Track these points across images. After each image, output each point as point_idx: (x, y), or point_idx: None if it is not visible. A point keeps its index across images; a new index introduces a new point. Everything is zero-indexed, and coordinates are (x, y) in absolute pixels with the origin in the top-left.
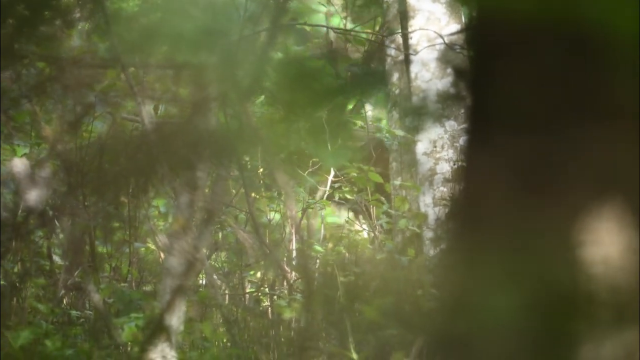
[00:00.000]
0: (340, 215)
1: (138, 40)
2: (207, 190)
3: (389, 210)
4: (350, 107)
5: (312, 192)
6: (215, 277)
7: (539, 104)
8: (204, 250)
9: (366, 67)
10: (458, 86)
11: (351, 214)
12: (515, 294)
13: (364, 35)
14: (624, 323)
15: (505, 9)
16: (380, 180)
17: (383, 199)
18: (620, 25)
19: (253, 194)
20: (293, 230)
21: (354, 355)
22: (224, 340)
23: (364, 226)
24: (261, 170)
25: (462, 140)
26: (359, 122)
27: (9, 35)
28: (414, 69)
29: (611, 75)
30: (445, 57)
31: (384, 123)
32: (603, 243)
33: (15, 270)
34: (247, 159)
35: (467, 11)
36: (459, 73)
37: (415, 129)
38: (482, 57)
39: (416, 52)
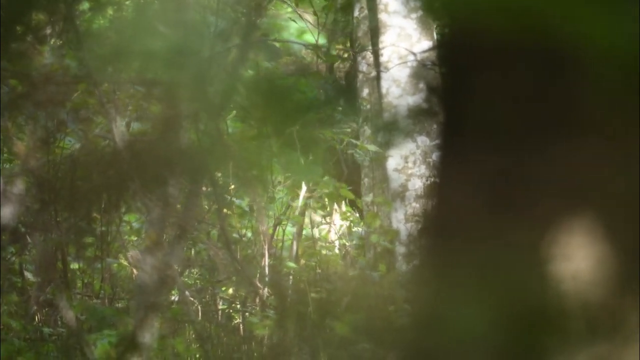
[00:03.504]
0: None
1: (110, 57)
2: (179, 206)
3: (361, 226)
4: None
5: (284, 208)
6: (187, 293)
7: (512, 119)
8: (176, 267)
9: (337, 84)
10: (430, 102)
11: (323, 230)
12: (486, 309)
13: (334, 52)
14: (596, 337)
15: (477, 24)
16: (351, 196)
17: (356, 214)
18: (595, 40)
19: (225, 210)
20: (265, 246)
21: None
22: (197, 357)
23: (336, 242)
24: (233, 186)
25: (434, 156)
26: (330, 137)
27: None
28: (385, 85)
29: (585, 91)
30: (417, 74)
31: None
32: (574, 257)
33: None
34: (219, 175)
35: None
36: (431, 89)
37: (387, 144)
38: (455, 73)
39: (387, 69)
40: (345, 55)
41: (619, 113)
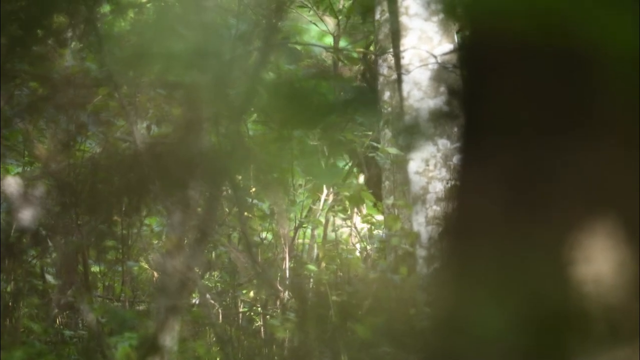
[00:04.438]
0: (334, 232)
1: (130, 60)
2: (199, 209)
3: (381, 229)
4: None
5: (305, 211)
6: (208, 296)
7: (532, 121)
8: (197, 269)
9: (358, 86)
10: (451, 104)
11: (344, 233)
12: (507, 311)
13: (356, 55)
14: (617, 340)
15: (497, 27)
16: (372, 199)
17: (377, 217)
18: (611, 41)
19: (246, 213)
20: (286, 249)
21: None
22: None
23: (357, 245)
24: (253, 189)
25: (455, 159)
26: (351, 140)
27: (2, 54)
28: (406, 87)
29: (604, 91)
30: (438, 76)
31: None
32: (595, 260)
33: (8, 289)
34: (240, 178)
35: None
36: (452, 91)
37: (408, 147)
38: (476, 76)
39: (408, 72)
40: (367, 58)
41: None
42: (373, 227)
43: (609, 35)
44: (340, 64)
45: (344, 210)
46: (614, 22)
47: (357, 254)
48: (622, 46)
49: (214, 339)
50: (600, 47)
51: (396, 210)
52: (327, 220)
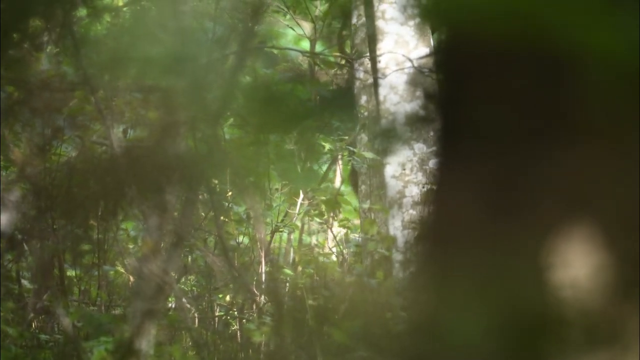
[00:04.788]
0: (310, 236)
1: (107, 64)
2: (176, 214)
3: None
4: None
5: (282, 215)
6: (184, 300)
7: (510, 125)
8: (173, 274)
9: (335, 90)
10: (427, 108)
11: (320, 237)
12: (484, 316)
13: (332, 59)
14: (595, 345)
15: (474, 31)
16: (349, 203)
17: (353, 221)
18: (593, 46)
19: (222, 217)
20: (262, 253)
21: None
22: None
23: (333, 249)
24: (230, 193)
25: (431, 163)
26: (327, 145)
27: None
28: (383, 91)
29: (583, 97)
30: (414, 80)
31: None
32: (573, 265)
33: None
34: (216, 182)
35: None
36: (428, 95)
37: (384, 151)
38: (452, 80)
39: (384, 76)
40: (343, 62)
41: (619, 119)
42: (349, 231)
43: (588, 39)
44: (316, 68)
45: (320, 215)
46: (593, 26)
47: (334, 258)
48: (601, 50)
49: (190, 343)
50: (579, 51)
51: (372, 214)
52: (303, 225)
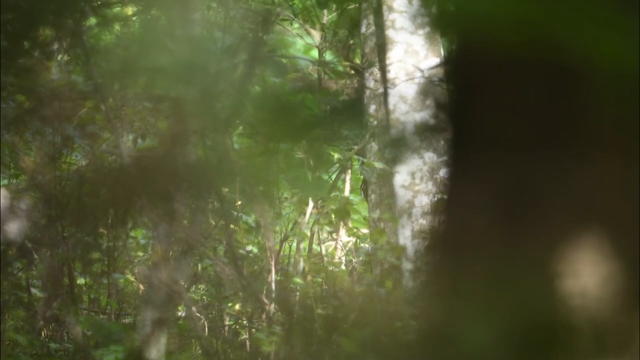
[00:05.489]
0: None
1: (117, 73)
2: (185, 222)
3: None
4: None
5: (291, 224)
6: (194, 309)
7: (520, 135)
8: (183, 282)
9: (344, 100)
10: (438, 118)
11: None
12: (494, 325)
13: (342, 68)
14: (604, 354)
15: (484, 41)
16: (358, 213)
17: (362, 230)
18: (603, 56)
19: (232, 226)
20: (272, 262)
21: None
22: None
23: (343, 258)
24: (239, 202)
25: (441, 172)
26: (337, 154)
27: None
28: (392, 101)
29: (593, 107)
30: (425, 90)
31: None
32: (582, 274)
33: None
34: (226, 190)
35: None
36: (438, 105)
37: (394, 160)
38: (463, 89)
39: (394, 85)
40: (353, 71)
41: (628, 129)
42: (359, 241)
43: (598, 49)
44: (326, 77)
45: (330, 224)
46: (604, 36)
47: (343, 267)
48: (612, 61)
49: (200, 351)
50: (590, 61)
51: (382, 224)
52: (312, 233)
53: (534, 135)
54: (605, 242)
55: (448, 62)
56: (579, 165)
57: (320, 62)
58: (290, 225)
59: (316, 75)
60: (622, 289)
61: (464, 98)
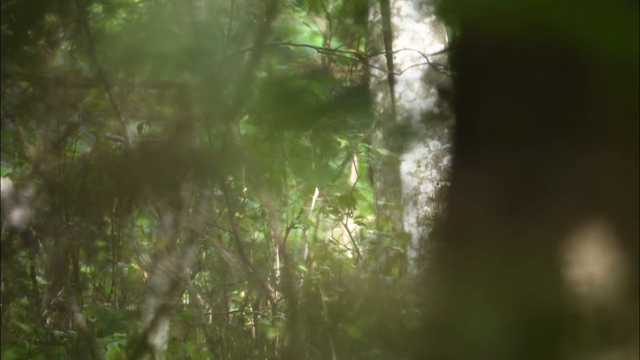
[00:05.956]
0: (325, 233)
1: (122, 60)
2: (190, 210)
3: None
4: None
5: (297, 211)
6: (198, 296)
7: (524, 123)
8: (188, 270)
9: (350, 87)
10: (442, 106)
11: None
12: (499, 314)
13: (348, 55)
14: (609, 343)
15: (489, 28)
16: (364, 200)
17: (368, 217)
18: (607, 45)
19: (237, 214)
20: (277, 250)
21: None
22: None
23: (348, 245)
24: (245, 190)
25: (446, 160)
26: (343, 142)
27: None
28: (398, 88)
29: (598, 96)
30: (429, 77)
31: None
32: (588, 263)
33: None
34: (231, 178)
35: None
36: (443, 92)
37: (400, 148)
38: (467, 77)
39: (400, 72)
40: (358, 58)
41: (634, 118)
42: (364, 228)
43: (604, 37)
44: (332, 64)
45: (335, 211)
46: (609, 25)
47: (349, 254)
48: (617, 49)
49: (205, 339)
50: (596, 49)
51: (388, 211)
52: (318, 221)
53: (538, 124)
54: (611, 232)
55: (452, 50)
56: (584, 154)
57: (326, 50)
58: (296, 213)
59: (322, 63)
60: (628, 277)
61: (468, 85)
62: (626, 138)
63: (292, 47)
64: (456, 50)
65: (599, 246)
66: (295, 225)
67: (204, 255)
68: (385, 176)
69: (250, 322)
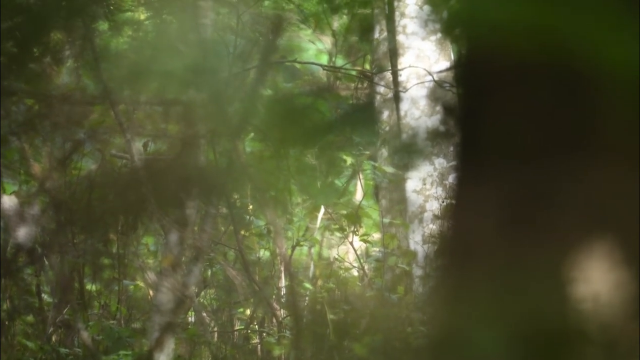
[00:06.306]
0: (331, 251)
1: (127, 77)
2: (196, 228)
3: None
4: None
5: (302, 229)
6: (204, 314)
7: (529, 139)
8: (193, 288)
9: (356, 105)
10: (447, 123)
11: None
12: (504, 331)
13: (353, 73)
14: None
15: (494, 46)
16: (370, 217)
17: (374, 235)
18: (612, 61)
19: (242, 231)
20: (282, 268)
21: None
22: None
23: (354, 263)
24: (250, 207)
25: (451, 178)
26: (349, 160)
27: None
28: (404, 106)
29: (603, 112)
30: (435, 95)
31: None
32: (593, 280)
33: (4, 307)
34: (237, 196)
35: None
36: (448, 110)
37: (405, 166)
38: (472, 94)
39: (405, 90)
40: (364, 76)
41: (638, 133)
42: (370, 246)
43: (609, 54)
44: (337, 82)
45: (341, 229)
46: (614, 42)
47: (354, 272)
48: (622, 66)
49: (210, 357)
50: (601, 66)
51: (393, 229)
52: (323, 239)
53: (543, 141)
54: (616, 249)
55: (457, 67)
56: (589, 170)
57: (331, 67)
58: (302, 231)
59: (327, 80)
60: (633, 295)
61: (473, 103)
62: (631, 154)
63: (297, 65)
64: (462, 68)
65: (605, 263)
66: (301, 243)
67: (209, 273)
68: (390, 194)
69: (256, 340)
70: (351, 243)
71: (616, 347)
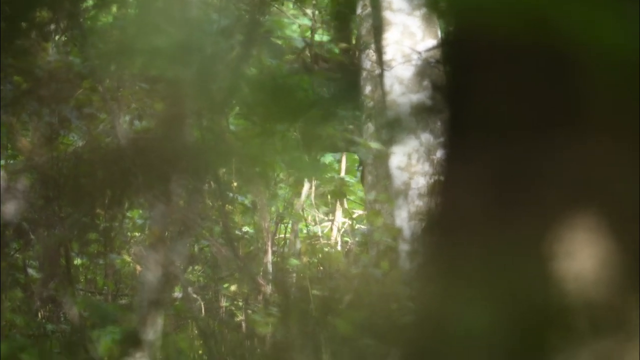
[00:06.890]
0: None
1: (113, 54)
2: (182, 203)
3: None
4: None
5: (287, 204)
6: (190, 290)
7: (515, 117)
8: (179, 263)
9: (340, 81)
10: (434, 99)
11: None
12: (490, 307)
13: (336, 49)
14: (599, 335)
15: (481, 22)
16: (354, 193)
17: (359, 211)
18: (598, 39)
19: (228, 207)
20: (268, 243)
21: None
22: (200, 353)
23: (339, 239)
24: (235, 183)
25: (437, 154)
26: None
27: None
28: (388, 82)
29: (589, 90)
30: (421, 72)
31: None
32: (577, 255)
33: None
34: (222, 172)
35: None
36: (435, 86)
37: (390, 141)
38: (459, 71)
39: (390, 67)
40: (349, 52)
41: (623, 112)
42: (355, 222)
43: (595, 32)
44: (320, 58)
45: (326, 204)
46: (600, 20)
47: (339, 248)
48: (608, 44)
49: (197, 332)
50: (586, 44)
51: (378, 205)
52: (308, 215)
53: (529, 118)
54: (601, 224)
55: (445, 44)
56: (575, 146)
57: (317, 43)
58: (286, 206)
59: (312, 57)
60: (618, 270)
61: (461, 80)
62: (616, 130)
63: (282, 41)
64: (448, 45)
65: (589, 239)
66: (285, 219)
67: (195, 248)
68: (376, 170)
69: (242, 316)
70: (334, 220)
71: (600, 322)
